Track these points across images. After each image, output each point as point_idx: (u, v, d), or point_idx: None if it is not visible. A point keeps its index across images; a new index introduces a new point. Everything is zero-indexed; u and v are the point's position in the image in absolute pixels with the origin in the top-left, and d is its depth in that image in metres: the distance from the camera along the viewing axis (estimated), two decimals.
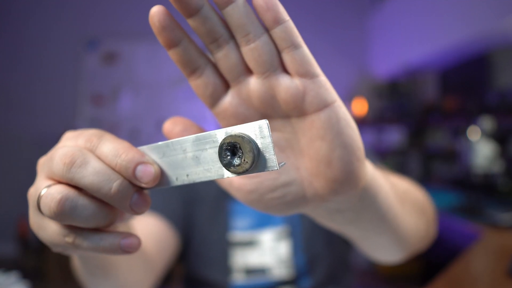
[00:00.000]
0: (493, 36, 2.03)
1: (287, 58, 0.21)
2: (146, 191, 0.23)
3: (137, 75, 3.14)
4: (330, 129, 0.22)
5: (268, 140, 0.19)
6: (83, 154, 0.21)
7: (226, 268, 0.66)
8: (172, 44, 0.22)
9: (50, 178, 0.22)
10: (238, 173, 0.20)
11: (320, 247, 0.68)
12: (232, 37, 0.22)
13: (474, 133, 1.67)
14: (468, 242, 1.25)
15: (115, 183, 0.21)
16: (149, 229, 0.58)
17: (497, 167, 1.64)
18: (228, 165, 0.20)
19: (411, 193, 0.43)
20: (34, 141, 3.02)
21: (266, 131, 0.19)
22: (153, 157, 0.23)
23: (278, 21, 0.20)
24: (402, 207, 0.36)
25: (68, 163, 0.21)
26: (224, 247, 0.67)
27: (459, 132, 2.10)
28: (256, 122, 0.20)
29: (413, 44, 2.60)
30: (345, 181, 0.23)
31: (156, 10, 0.21)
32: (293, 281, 0.66)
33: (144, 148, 0.23)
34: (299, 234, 0.68)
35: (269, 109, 0.24)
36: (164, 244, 0.59)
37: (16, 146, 3.09)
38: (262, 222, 0.69)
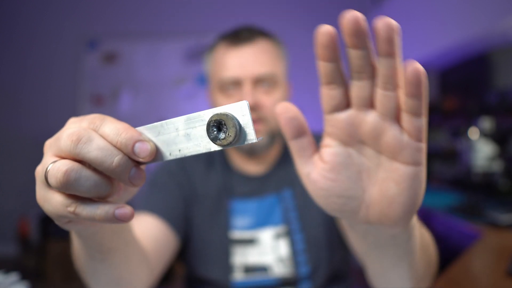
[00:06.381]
0: (493, 36, 2.03)
1: (406, 119, 0.25)
2: (143, 166, 0.27)
3: (137, 75, 3.14)
4: (407, 182, 0.26)
5: (248, 117, 0.23)
6: (88, 132, 0.25)
7: (226, 267, 0.66)
8: (328, 60, 0.26)
9: (57, 155, 0.26)
10: (223, 146, 0.23)
11: (322, 248, 0.68)
12: (374, 76, 0.26)
13: (474, 133, 1.67)
14: (468, 242, 1.25)
15: (116, 158, 0.25)
16: (147, 229, 0.58)
17: (497, 167, 1.64)
18: (214, 139, 0.23)
19: (430, 249, 0.46)
20: (34, 141, 3.01)
21: (246, 110, 0.23)
22: (149, 135, 0.27)
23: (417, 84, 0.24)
24: (420, 257, 0.40)
25: (75, 140, 0.24)
26: (224, 245, 0.67)
27: (459, 132, 2.10)
28: (237, 102, 0.23)
29: (413, 44, 2.60)
30: (395, 221, 0.28)
31: (325, 30, 0.25)
32: (293, 279, 0.66)
33: (142, 128, 0.27)
34: (300, 234, 0.68)
35: (371, 141, 0.27)
36: (163, 243, 0.59)
37: (16, 146, 3.09)
38: (262, 221, 0.69)
